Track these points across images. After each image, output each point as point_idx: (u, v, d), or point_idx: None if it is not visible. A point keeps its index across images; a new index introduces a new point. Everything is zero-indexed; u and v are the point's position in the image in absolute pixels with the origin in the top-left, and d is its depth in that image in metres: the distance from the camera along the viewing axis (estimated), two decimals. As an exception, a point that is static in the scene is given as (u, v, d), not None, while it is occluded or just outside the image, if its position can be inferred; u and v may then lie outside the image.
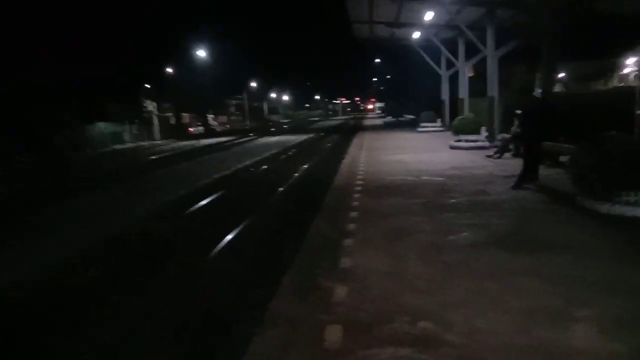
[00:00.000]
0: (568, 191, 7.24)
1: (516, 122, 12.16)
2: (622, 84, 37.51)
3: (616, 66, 39.33)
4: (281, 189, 10.33)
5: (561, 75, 34.37)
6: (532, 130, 8.34)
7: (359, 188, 8.76)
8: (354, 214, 6.63)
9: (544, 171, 8.95)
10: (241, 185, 11.84)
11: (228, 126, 55.55)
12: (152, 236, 7.06)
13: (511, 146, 12.20)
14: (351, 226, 5.93)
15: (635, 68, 40.21)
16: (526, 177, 8.18)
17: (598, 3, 14.59)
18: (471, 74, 22.23)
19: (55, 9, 25.02)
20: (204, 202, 9.16)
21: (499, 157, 12.02)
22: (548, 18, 10.93)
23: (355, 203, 7.38)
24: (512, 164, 10.75)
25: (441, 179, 9.34)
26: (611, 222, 5.61)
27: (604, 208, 5.86)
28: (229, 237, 6.46)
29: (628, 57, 39.45)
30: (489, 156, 12.33)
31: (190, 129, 45.33)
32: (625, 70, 41.21)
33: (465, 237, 5.23)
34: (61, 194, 11.90)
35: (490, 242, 5.01)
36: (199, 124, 48.60)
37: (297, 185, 11.01)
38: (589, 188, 6.07)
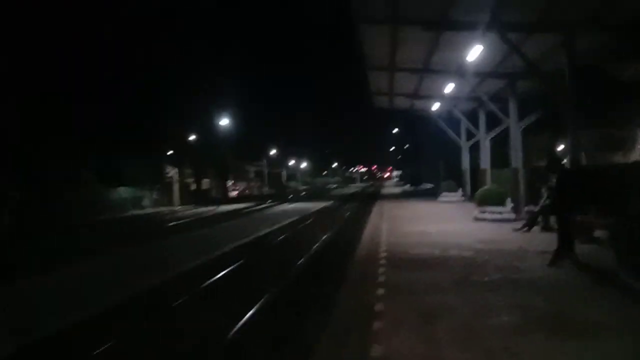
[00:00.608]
0: (608, 268, 6.79)
1: (545, 195, 11.87)
2: (643, 157, 37.16)
3: (637, 137, 39.22)
4: (302, 259, 9.98)
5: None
6: (564, 202, 7.99)
7: (383, 261, 8.37)
8: (380, 290, 6.24)
9: (578, 247, 8.48)
10: (258, 256, 11.25)
11: (247, 192, 55.98)
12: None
13: (539, 219, 11.78)
14: (380, 305, 5.53)
15: (657, 140, 39.99)
16: (562, 252, 7.74)
17: (620, 72, 14.64)
18: None
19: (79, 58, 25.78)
20: (213, 279, 8.45)
21: (528, 231, 11.56)
22: (569, 89, 10.86)
23: (382, 277, 6.99)
24: (543, 239, 10.29)
25: (470, 253, 8.92)
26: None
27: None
28: (241, 323, 5.99)
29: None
30: (516, 229, 11.88)
31: (234, 192, 46.02)
32: (645, 143, 40.94)
33: (505, 320, 4.79)
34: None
35: (534, 325, 4.57)
36: (235, 187, 49.26)
37: (318, 257, 10.60)
38: (634, 266, 5.61)
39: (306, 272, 8.96)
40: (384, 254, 9.06)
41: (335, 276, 7.49)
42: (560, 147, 38.93)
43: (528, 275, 6.82)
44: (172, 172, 41.34)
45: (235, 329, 5.63)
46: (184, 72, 38.53)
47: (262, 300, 6.79)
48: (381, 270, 7.58)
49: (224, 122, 42.05)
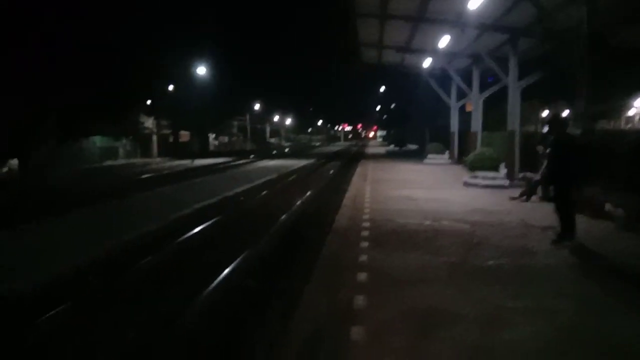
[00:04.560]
0: (631, 261, 5.68)
1: (545, 162, 10.70)
2: (629, 125, 36.58)
3: (623, 107, 38.52)
4: (269, 230, 8.59)
5: (566, 112, 33.37)
6: (567, 173, 6.63)
7: (365, 233, 7.15)
8: (362, 277, 5.02)
9: (588, 225, 7.38)
10: (217, 227, 9.05)
11: (229, 146, 54.22)
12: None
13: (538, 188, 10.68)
14: (359, 301, 4.31)
15: (643, 110, 39.30)
16: (567, 231, 6.58)
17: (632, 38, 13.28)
18: (471, 109, 20.94)
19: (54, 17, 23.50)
20: (145, 261, 6.47)
21: (527, 200, 10.45)
22: (584, 48, 9.52)
23: (363, 258, 5.76)
24: (545, 211, 9.09)
25: (466, 226, 7.74)
26: None
27: None
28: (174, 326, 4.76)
29: (636, 99, 38.65)
30: (513, 198, 10.76)
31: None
32: (631, 112, 40.40)
33: (525, 336, 3.60)
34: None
35: (566, 349, 3.40)
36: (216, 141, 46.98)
37: (290, 226, 9.16)
38: None
39: (272, 250, 7.30)
40: (366, 224, 7.84)
41: (307, 258, 6.22)
42: (545, 113, 37.93)
43: (541, 262, 5.65)
44: (148, 122, 39.44)
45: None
46: (163, 21, 35.99)
47: (204, 295, 5.24)
48: (363, 246, 6.36)
49: (201, 70, 39.72)
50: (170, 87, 42.88)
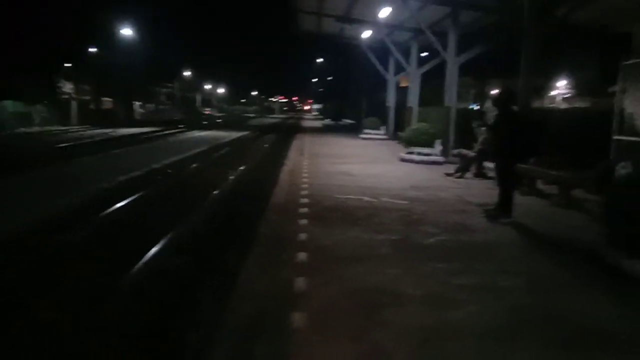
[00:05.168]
0: (569, 236, 5.79)
1: (481, 138, 10.87)
2: (551, 105, 38.95)
3: (547, 86, 40.86)
4: (200, 207, 7.98)
5: (494, 91, 34.83)
6: (510, 149, 6.66)
7: (304, 210, 6.82)
8: (302, 256, 4.69)
9: (522, 201, 7.51)
10: (148, 198, 8.49)
11: (156, 115, 51.44)
12: None
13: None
14: (300, 282, 3.98)
15: (565, 90, 42.04)
16: (505, 208, 6.64)
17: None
18: (405, 84, 21.13)
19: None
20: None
21: (461, 177, 10.59)
22: (531, 20, 9.51)
23: (303, 236, 5.42)
24: (479, 188, 9.33)
25: (405, 202, 7.63)
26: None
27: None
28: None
29: (559, 80, 41.04)
30: (448, 174, 10.87)
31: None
32: (554, 92, 43.03)
33: (473, 315, 3.45)
34: None
35: (516, 328, 3.27)
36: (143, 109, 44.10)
37: (223, 203, 8.56)
38: (635, 244, 4.39)
39: (203, 230, 6.68)
40: (305, 200, 7.50)
41: (242, 237, 5.79)
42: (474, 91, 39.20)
43: (480, 238, 5.61)
44: (66, 86, 36.45)
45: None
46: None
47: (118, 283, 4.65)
48: (302, 223, 6.02)
49: (127, 32, 37.14)
50: (93, 50, 39.86)
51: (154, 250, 5.35)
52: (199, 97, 76.11)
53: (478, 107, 35.62)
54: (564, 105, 36.46)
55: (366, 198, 7.86)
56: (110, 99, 44.21)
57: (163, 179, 10.99)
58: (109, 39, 39.35)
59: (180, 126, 33.22)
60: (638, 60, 7.58)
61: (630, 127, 7.69)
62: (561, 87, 41.00)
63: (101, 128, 28.35)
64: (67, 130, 27.12)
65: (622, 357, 3.00)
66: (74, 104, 35.18)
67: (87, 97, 39.97)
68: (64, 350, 3.33)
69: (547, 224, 6.41)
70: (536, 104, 37.32)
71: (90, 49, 39.54)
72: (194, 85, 71.41)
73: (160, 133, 26.27)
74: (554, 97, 42.00)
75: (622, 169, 5.41)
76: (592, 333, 3.24)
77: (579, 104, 32.36)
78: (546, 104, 39.47)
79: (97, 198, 8.31)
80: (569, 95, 39.35)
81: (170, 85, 62.22)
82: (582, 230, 6.05)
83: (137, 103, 49.76)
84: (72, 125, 31.63)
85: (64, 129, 28.62)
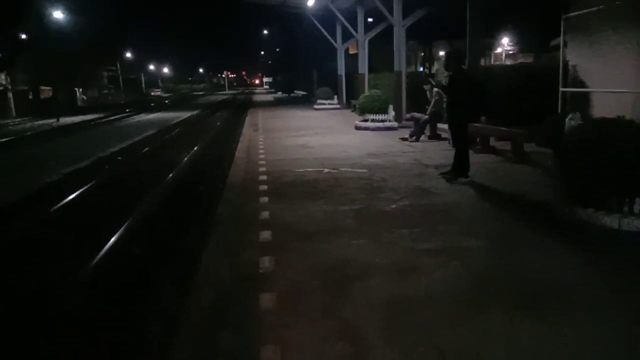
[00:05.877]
0: (525, 191, 5.93)
1: (433, 100, 10.93)
2: (497, 62, 39.83)
3: (492, 45, 41.68)
4: (155, 191, 7.74)
5: (441, 53, 35.24)
6: (462, 109, 6.68)
7: (264, 187, 6.69)
8: (266, 234, 4.58)
9: (477, 159, 7.65)
10: (99, 188, 8.34)
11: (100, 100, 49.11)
12: None
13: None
14: (266, 262, 3.89)
15: (508, 47, 43.05)
16: (462, 168, 6.73)
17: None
18: (354, 52, 21.02)
19: None
20: None
21: (416, 140, 10.69)
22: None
23: (265, 214, 5.30)
24: (434, 150, 9.45)
25: (364, 171, 7.61)
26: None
27: (612, 222, 4.26)
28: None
29: (501, 37, 41.88)
30: (403, 139, 10.95)
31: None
32: (498, 50, 44.00)
33: (441, 282, 3.45)
34: None
35: (479, 292, 3.30)
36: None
37: (178, 185, 8.36)
38: (588, 194, 4.50)
39: (160, 214, 6.63)
40: (263, 177, 7.35)
41: (201, 218, 5.62)
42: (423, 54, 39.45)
43: (440, 201, 5.67)
44: (1, 78, 34.02)
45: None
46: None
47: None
48: (263, 201, 5.89)
49: (59, 15, 34.87)
50: (24, 37, 37.21)
51: (111, 240, 5.12)
52: (144, 79, 73.12)
53: (427, 69, 36.05)
54: (508, 62, 37.47)
55: (325, 169, 7.79)
56: (50, 88, 41.74)
57: (113, 166, 10.53)
58: (41, 24, 36.82)
59: (127, 110, 31.90)
60: (579, 12, 7.74)
61: (574, 79, 7.91)
62: (505, 44, 42.02)
63: (43, 119, 26.77)
64: (7, 124, 25.43)
65: (593, 306, 3.10)
66: (9, 95, 33.01)
67: (25, 87, 37.57)
68: None
69: (502, 181, 6.55)
70: (482, 62, 38.11)
71: (22, 36, 36.94)
72: (138, 66, 68.44)
73: (107, 119, 25.15)
74: (499, 54, 43.07)
75: (572, 121, 5.57)
76: (559, 289, 3.33)
77: (522, 59, 33.27)
78: (492, 61, 40.46)
79: (39, 194, 7.87)
80: (512, 51, 40.37)
81: (113, 68, 59.32)
82: (536, 185, 6.21)
83: (79, 89, 47.30)
84: (12, 118, 29.72)
85: (2, 122, 26.84)
